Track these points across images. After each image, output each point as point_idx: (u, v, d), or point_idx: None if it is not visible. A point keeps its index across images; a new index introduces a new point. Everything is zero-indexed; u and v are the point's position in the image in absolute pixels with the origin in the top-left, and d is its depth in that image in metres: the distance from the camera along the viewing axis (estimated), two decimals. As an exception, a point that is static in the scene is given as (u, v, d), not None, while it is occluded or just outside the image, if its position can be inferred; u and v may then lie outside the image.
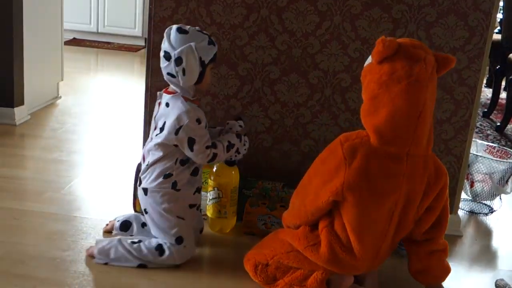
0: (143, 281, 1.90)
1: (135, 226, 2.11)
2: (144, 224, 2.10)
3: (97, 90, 4.29)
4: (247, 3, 2.23)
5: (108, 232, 2.14)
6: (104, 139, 3.23)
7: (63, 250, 2.02)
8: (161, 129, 1.94)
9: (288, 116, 2.32)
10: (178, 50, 1.87)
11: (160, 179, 1.95)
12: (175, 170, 1.96)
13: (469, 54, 2.22)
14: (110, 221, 2.18)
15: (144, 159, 2.03)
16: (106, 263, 1.95)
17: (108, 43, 5.87)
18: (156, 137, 1.95)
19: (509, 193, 2.72)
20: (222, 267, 2.00)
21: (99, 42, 5.88)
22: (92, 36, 5.92)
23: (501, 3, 4.34)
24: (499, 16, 4.58)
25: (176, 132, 1.90)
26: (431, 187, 1.73)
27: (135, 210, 2.32)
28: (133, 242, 1.97)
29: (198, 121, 1.90)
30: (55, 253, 1.99)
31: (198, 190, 2.05)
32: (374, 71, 1.65)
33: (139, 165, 2.26)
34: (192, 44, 1.87)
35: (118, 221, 2.13)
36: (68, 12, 4.32)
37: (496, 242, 2.49)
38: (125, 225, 2.11)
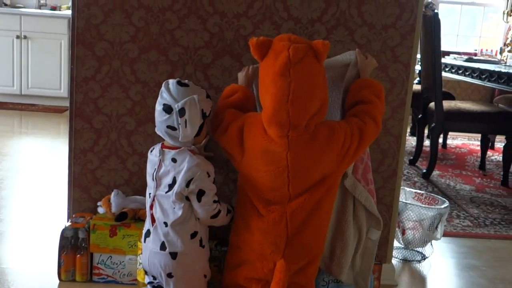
0: None
1: None
2: None
3: (21, 153, 4.13)
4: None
5: None
6: (28, 205, 3.08)
7: (-19, 327, 1.87)
8: (170, 186, 1.90)
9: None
10: (182, 102, 1.85)
11: (188, 239, 1.92)
12: (198, 227, 1.94)
13: (392, 104, 2.27)
14: None
15: (153, 220, 1.94)
16: None
17: (33, 105, 5.72)
18: (168, 194, 1.90)
19: (439, 239, 2.77)
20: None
21: (23, 104, 5.72)
22: (16, 98, 5.76)
23: (418, 55, 4.55)
24: (418, 67, 4.79)
25: (187, 184, 1.88)
26: (326, 148, 1.83)
27: (60, 279, 2.20)
28: None
29: (208, 174, 1.91)
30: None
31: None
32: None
33: (64, 231, 2.17)
34: (195, 96, 1.87)
35: None
36: (-12, 75, 4.19)
37: (431, 288, 2.51)
38: None
